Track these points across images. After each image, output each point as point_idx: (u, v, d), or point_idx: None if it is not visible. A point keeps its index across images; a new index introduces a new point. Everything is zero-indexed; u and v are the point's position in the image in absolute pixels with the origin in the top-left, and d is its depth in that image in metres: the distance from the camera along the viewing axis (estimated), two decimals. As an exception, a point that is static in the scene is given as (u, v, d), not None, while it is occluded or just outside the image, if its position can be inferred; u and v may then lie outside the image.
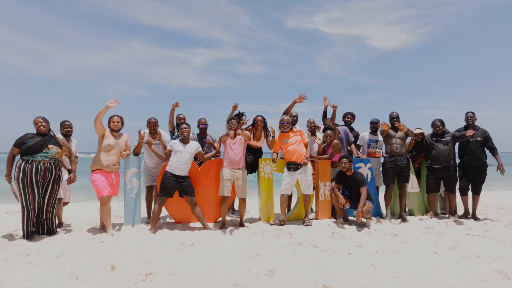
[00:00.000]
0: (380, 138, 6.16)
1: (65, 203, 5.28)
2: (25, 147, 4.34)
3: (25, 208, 4.34)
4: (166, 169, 4.97)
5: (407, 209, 6.24)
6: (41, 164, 4.38)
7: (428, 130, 6.07)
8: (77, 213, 6.44)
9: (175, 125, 5.86)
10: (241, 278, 3.03)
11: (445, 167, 5.71)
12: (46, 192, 4.47)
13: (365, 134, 6.36)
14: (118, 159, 4.90)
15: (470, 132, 5.47)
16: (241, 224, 5.27)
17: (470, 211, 5.93)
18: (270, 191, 5.64)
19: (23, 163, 4.32)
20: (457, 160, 5.99)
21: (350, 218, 5.56)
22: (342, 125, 6.38)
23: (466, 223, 5.44)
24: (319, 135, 6.18)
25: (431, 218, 5.80)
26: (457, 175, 5.85)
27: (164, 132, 5.64)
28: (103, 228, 4.92)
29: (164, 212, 5.74)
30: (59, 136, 4.99)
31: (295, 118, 6.06)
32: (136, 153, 5.28)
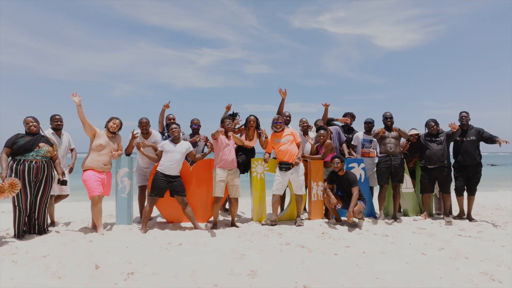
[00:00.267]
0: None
1: (65, 196, 5.34)
2: (16, 147, 4.38)
3: (17, 207, 4.38)
4: (157, 169, 4.98)
5: (401, 210, 6.20)
6: (33, 163, 4.42)
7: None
8: (72, 212, 6.48)
9: (165, 125, 5.88)
10: (222, 278, 3.03)
11: (439, 167, 5.67)
12: (38, 191, 4.51)
13: (359, 134, 6.33)
14: (109, 159, 4.92)
15: (454, 125, 5.44)
16: (233, 224, 5.26)
17: (466, 211, 5.87)
18: (263, 191, 5.63)
19: (15, 164, 4.36)
20: (452, 160, 5.94)
21: (342, 218, 5.53)
22: (335, 125, 6.36)
23: (459, 224, 5.39)
24: (312, 134, 6.17)
25: (425, 218, 5.75)
26: (451, 175, 5.81)
27: (156, 132, 5.66)
28: (94, 227, 4.94)
29: (156, 212, 5.77)
30: (49, 130, 5.05)
31: (288, 118, 6.06)
32: (128, 153, 5.30)
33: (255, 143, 5.72)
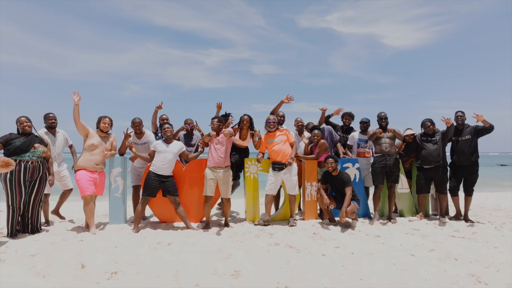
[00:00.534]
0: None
1: (69, 191, 5.49)
2: (13, 147, 4.41)
3: (11, 207, 4.42)
4: (150, 168, 5.00)
5: (397, 210, 6.15)
6: (29, 163, 4.47)
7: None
8: (68, 212, 6.50)
9: (158, 126, 5.90)
10: (205, 278, 3.03)
11: (435, 168, 5.61)
12: (32, 190, 4.55)
13: (355, 133, 6.29)
14: (102, 159, 4.96)
15: (448, 120, 5.39)
16: (226, 224, 5.26)
17: (463, 212, 5.80)
18: (256, 191, 5.62)
19: None
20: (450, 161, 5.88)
21: (336, 218, 5.50)
22: (332, 124, 6.36)
23: (454, 225, 5.33)
24: (307, 134, 6.15)
25: (421, 219, 5.69)
26: (448, 176, 5.74)
27: (149, 132, 5.68)
28: (88, 227, 4.98)
29: (150, 211, 5.79)
30: (42, 130, 5.10)
31: (282, 118, 6.04)
32: (121, 153, 5.33)
33: (248, 143, 5.71)
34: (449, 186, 5.74)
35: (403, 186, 5.98)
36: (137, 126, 5.44)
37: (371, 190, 6.25)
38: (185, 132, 5.81)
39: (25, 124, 4.61)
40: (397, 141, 5.92)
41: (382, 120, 5.74)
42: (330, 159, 5.22)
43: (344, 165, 5.80)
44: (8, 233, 4.43)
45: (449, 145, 5.85)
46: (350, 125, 6.58)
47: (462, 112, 5.62)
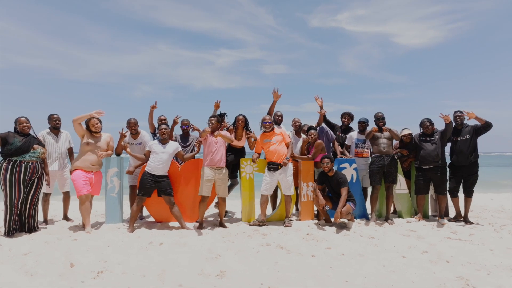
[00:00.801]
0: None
1: (67, 193, 5.58)
2: (13, 148, 4.47)
3: (8, 206, 4.49)
4: (145, 169, 5.04)
5: (396, 212, 6.08)
6: (29, 164, 4.54)
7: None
8: (69, 211, 6.59)
9: (156, 126, 5.92)
10: (189, 278, 3.03)
11: (434, 168, 5.53)
12: (30, 190, 4.63)
13: (353, 133, 6.23)
14: (98, 159, 5.00)
15: (447, 117, 5.30)
16: (221, 224, 5.26)
17: (463, 213, 5.70)
18: (252, 191, 5.62)
19: (10, 165, 4.45)
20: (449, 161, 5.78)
21: (332, 219, 5.46)
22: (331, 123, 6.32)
23: (452, 226, 5.24)
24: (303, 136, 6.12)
25: (419, 220, 5.62)
26: (447, 176, 5.65)
27: (144, 132, 5.72)
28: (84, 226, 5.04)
29: (146, 211, 5.83)
30: (45, 130, 5.21)
31: (280, 117, 6.02)
32: (118, 153, 5.38)
33: (243, 143, 5.70)
34: (449, 187, 5.65)
35: (401, 186, 5.91)
36: (132, 126, 5.48)
37: (370, 190, 6.19)
38: (181, 132, 5.83)
39: (25, 124, 4.68)
40: (395, 142, 5.85)
41: (379, 121, 5.67)
42: (326, 159, 5.18)
43: (341, 166, 5.76)
44: (5, 232, 4.51)
45: (449, 145, 5.76)
46: (349, 125, 6.53)
47: (461, 112, 5.52)
